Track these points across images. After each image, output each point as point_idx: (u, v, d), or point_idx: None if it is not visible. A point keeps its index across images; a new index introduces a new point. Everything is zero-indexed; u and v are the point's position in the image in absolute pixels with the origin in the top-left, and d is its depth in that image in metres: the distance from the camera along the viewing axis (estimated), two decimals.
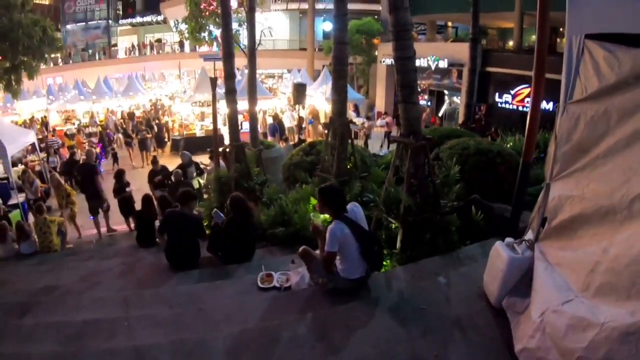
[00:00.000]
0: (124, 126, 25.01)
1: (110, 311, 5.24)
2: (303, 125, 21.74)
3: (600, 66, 3.04)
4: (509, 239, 4.15)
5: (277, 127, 21.68)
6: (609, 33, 3.04)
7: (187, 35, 27.95)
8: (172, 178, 11.94)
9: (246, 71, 18.27)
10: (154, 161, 12.85)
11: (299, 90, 17.60)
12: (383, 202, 6.20)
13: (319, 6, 37.96)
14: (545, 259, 3.63)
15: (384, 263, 5.49)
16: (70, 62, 41.71)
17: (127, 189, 11.27)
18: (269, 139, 19.31)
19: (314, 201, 7.46)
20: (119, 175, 11.35)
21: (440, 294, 4.66)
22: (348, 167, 8.27)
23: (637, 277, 2.55)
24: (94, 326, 4.72)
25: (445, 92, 26.71)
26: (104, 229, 11.58)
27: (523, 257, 3.85)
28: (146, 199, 9.39)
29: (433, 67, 24.58)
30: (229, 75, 10.23)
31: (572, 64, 3.28)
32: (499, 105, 21.39)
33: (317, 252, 5.01)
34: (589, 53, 3.14)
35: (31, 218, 11.62)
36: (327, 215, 5.68)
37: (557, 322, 3.06)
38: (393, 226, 6.13)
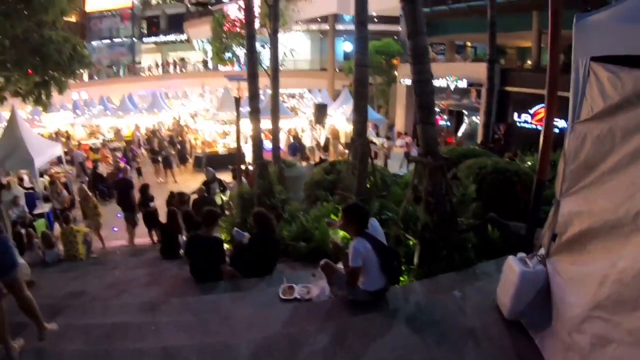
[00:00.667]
0: (148, 142, 25.44)
1: (137, 316, 5.47)
2: (328, 145, 21.90)
3: (604, 87, 3.14)
4: (521, 254, 4.24)
5: (298, 147, 21.93)
6: (613, 55, 3.14)
7: (211, 55, 28.53)
8: (195, 194, 12.20)
9: (268, 91, 18.66)
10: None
11: (321, 111, 17.85)
12: (402, 219, 6.36)
13: (339, 27, 38.51)
14: (560, 275, 3.71)
15: (402, 278, 5.62)
16: (96, 78, 42.61)
17: (151, 204, 11.57)
18: (290, 158, 19.51)
19: (333, 217, 7.64)
20: (144, 189, 11.67)
21: (456, 306, 4.76)
22: (368, 186, 8.44)
23: None
24: (123, 329, 4.92)
25: (465, 112, 26.71)
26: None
27: (535, 271, 3.93)
28: (171, 213, 9.63)
29: (452, 88, 24.65)
30: (253, 95, 10.51)
31: (579, 85, 3.40)
32: (518, 124, 21.36)
33: (339, 265, 5.19)
34: (594, 75, 3.25)
35: (57, 227, 12.00)
36: (345, 233, 5.87)
37: (581, 342, 3.17)
38: (411, 243, 6.26)
